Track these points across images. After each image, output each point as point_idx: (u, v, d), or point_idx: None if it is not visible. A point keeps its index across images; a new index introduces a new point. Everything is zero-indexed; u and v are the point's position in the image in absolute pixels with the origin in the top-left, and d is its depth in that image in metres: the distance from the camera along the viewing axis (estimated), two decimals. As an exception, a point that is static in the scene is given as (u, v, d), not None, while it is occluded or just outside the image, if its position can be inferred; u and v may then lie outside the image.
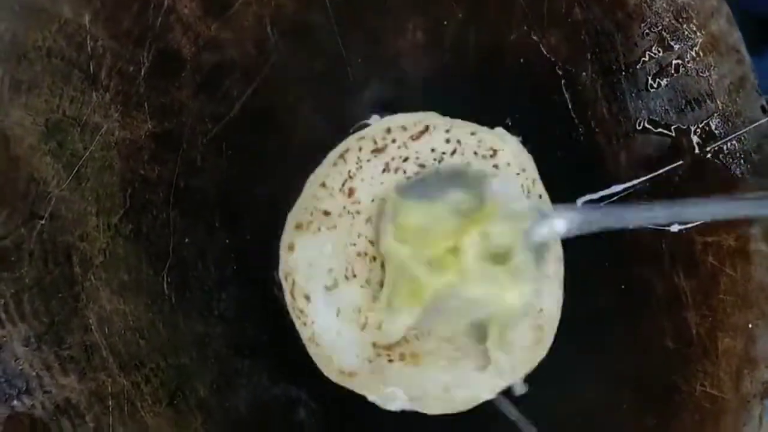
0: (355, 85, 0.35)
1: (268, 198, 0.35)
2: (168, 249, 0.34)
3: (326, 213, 0.35)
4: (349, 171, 0.35)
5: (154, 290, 0.34)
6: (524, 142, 0.37)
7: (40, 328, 0.32)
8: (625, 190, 0.37)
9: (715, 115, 0.37)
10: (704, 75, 0.37)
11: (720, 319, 0.36)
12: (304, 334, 0.35)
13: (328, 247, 0.34)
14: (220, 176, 0.34)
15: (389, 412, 0.36)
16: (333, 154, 0.35)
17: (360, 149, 0.35)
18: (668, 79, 0.37)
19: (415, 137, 0.36)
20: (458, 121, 0.36)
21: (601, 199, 0.37)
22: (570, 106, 0.36)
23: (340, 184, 0.35)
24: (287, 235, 0.35)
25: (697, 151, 0.37)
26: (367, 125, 0.36)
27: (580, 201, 0.38)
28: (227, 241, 0.35)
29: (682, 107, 0.37)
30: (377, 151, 0.35)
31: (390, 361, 0.35)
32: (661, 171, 0.37)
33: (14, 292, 0.32)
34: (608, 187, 0.37)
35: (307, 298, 0.34)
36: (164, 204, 0.34)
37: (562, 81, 0.36)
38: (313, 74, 0.35)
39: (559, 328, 0.36)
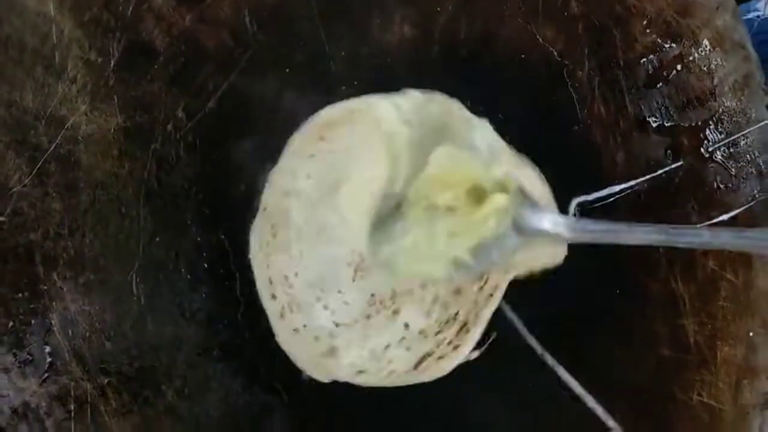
0: (337, 80, 0.29)
1: (243, 195, 0.30)
2: (137, 248, 0.28)
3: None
4: None
5: (122, 291, 0.28)
6: (518, 140, 0.31)
7: None
8: (622, 191, 0.31)
9: (719, 114, 0.30)
10: (708, 72, 0.30)
11: (719, 327, 0.30)
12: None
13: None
14: (194, 173, 0.29)
15: (367, 419, 0.30)
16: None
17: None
18: (669, 77, 0.30)
19: None
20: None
21: (597, 200, 0.31)
22: (566, 104, 0.29)
23: None
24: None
25: (698, 151, 0.30)
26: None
27: (574, 201, 0.32)
28: (199, 239, 0.29)
29: (684, 105, 0.30)
30: None
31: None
32: (660, 172, 0.31)
33: (-28, 291, 0.27)
34: (605, 187, 0.31)
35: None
36: (134, 201, 0.28)
37: (558, 77, 0.30)
38: (293, 67, 0.29)
39: (550, 334, 0.31)
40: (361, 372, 0.29)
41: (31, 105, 0.27)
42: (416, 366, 0.29)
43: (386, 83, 0.30)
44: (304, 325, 0.29)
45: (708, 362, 0.30)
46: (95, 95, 0.28)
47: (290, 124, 0.30)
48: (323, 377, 0.30)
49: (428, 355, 0.29)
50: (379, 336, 0.29)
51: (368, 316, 0.29)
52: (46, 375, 0.28)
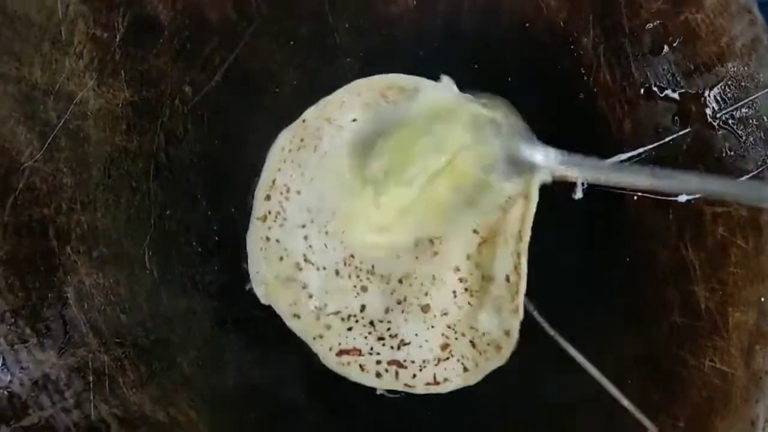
0: (341, 51, 0.29)
1: (251, 167, 0.30)
2: (149, 221, 0.29)
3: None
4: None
5: (135, 264, 0.28)
6: (522, 110, 0.31)
7: (16, 303, 0.28)
8: (629, 159, 0.31)
9: (726, 79, 0.30)
10: (714, 37, 0.30)
11: (730, 293, 0.30)
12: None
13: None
14: (202, 146, 0.29)
15: (380, 393, 0.30)
16: None
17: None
18: (675, 43, 0.30)
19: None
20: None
21: (605, 168, 0.31)
22: (571, 72, 0.29)
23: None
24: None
25: (706, 118, 0.30)
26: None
27: (581, 170, 0.31)
28: (209, 213, 0.29)
29: (690, 72, 0.30)
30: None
31: None
32: (667, 139, 0.31)
33: (-12, 266, 0.27)
34: (612, 156, 0.31)
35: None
36: (144, 175, 0.29)
37: (563, 46, 0.30)
38: (297, 40, 0.29)
39: (560, 300, 0.31)
40: (296, 316, 0.29)
41: (40, 80, 0.27)
42: (339, 354, 0.29)
43: (391, 54, 0.31)
44: (278, 240, 0.29)
45: (719, 328, 0.30)
46: (102, 70, 0.28)
47: (296, 97, 0.30)
48: (262, 296, 0.29)
49: (356, 351, 0.29)
50: (334, 297, 0.29)
51: (337, 272, 0.29)
52: (63, 347, 0.28)
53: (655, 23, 0.31)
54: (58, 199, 0.28)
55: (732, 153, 0.31)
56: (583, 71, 0.31)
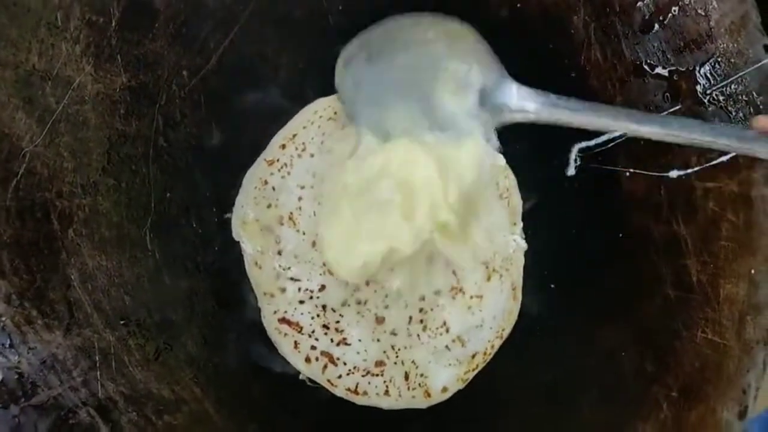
0: (335, 34, 0.30)
1: (249, 150, 0.30)
2: (149, 204, 0.29)
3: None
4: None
5: (137, 246, 0.29)
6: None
7: (22, 285, 0.28)
8: (621, 136, 0.31)
9: (716, 56, 0.30)
10: (704, 14, 0.30)
11: (721, 266, 0.31)
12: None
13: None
14: (200, 129, 0.29)
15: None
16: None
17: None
18: (665, 20, 0.30)
19: None
20: None
21: (597, 145, 0.31)
22: (562, 51, 0.30)
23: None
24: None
25: (696, 94, 0.30)
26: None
27: (575, 147, 0.32)
28: (208, 194, 0.29)
29: (681, 49, 0.30)
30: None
31: None
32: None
33: (-8, 249, 0.28)
34: (604, 133, 0.31)
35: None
36: (143, 159, 0.29)
37: (553, 24, 0.30)
38: (291, 23, 0.29)
39: (556, 276, 0.31)
40: (257, 265, 0.29)
41: (37, 66, 0.28)
42: (281, 321, 0.29)
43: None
44: (274, 188, 0.29)
45: (711, 300, 0.31)
46: (99, 55, 0.28)
47: (291, 78, 0.30)
48: (235, 231, 0.29)
49: (297, 326, 0.29)
50: (301, 265, 0.29)
51: (314, 243, 0.29)
52: (69, 328, 0.29)
53: (645, 1, 0.31)
54: (59, 184, 0.29)
55: (722, 129, 0.31)
56: (575, 50, 0.31)
